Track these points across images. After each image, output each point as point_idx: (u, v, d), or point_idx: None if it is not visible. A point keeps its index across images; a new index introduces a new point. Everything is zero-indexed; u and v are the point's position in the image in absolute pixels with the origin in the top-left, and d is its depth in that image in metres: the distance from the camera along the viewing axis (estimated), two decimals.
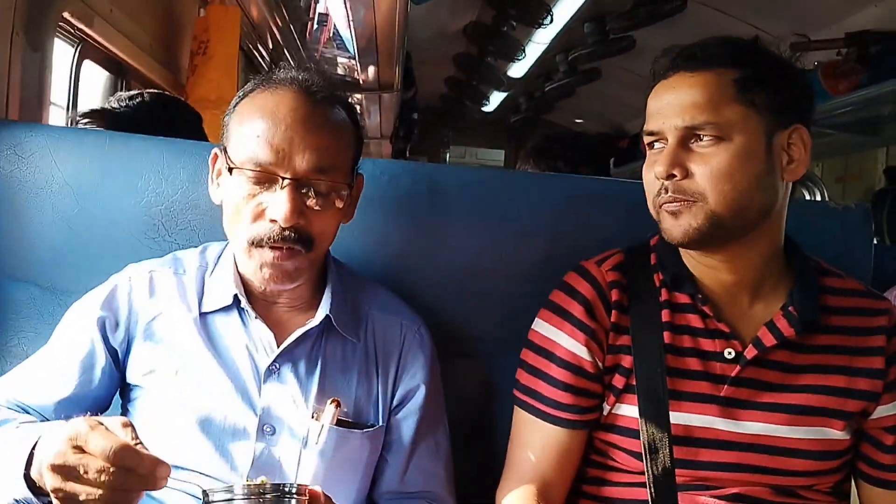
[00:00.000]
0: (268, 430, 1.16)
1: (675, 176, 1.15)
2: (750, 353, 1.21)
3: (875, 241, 4.50)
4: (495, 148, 10.77)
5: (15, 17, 1.60)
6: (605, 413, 1.26)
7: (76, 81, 2.39)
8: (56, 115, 2.34)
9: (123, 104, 1.73)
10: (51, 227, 1.42)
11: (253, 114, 1.15)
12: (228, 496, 0.91)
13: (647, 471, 1.19)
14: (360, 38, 4.40)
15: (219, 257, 1.26)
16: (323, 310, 1.21)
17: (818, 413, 1.22)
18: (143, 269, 1.25)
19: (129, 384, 1.22)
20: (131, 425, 0.90)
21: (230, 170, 1.14)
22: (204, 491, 0.92)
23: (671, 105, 1.17)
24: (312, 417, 1.18)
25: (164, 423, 1.16)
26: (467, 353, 1.48)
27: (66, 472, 0.86)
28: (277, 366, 1.19)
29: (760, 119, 1.15)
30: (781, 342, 1.21)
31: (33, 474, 0.93)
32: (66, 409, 1.15)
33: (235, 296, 1.20)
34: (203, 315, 1.21)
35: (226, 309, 1.21)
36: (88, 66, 2.54)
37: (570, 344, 1.25)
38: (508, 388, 1.33)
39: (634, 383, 1.22)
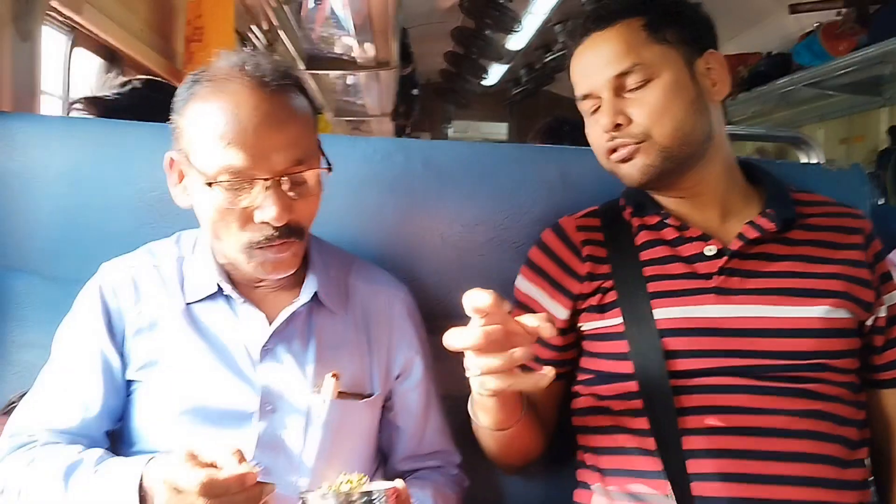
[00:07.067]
0: (269, 408, 1.17)
1: (620, 125, 1.23)
2: (735, 244, 1.24)
3: (881, 202, 4.39)
4: (498, 121, 10.70)
5: (1, 8, 1.60)
6: (590, 328, 1.29)
7: (69, 70, 2.39)
8: (53, 105, 2.35)
9: (115, 91, 1.73)
10: (48, 216, 1.43)
11: (211, 118, 1.08)
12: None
13: (637, 367, 1.20)
14: (355, 16, 4.37)
15: (194, 246, 1.26)
16: (310, 287, 1.22)
17: (810, 294, 1.22)
18: (121, 268, 1.24)
19: (126, 381, 1.21)
20: (239, 451, 0.94)
21: (208, 184, 1.08)
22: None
23: (594, 64, 1.26)
24: (313, 392, 1.19)
25: (164, 413, 1.16)
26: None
27: None
28: (272, 345, 1.20)
29: (677, 52, 1.24)
30: (763, 235, 1.24)
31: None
32: (102, 422, 1.18)
33: (219, 284, 1.20)
34: (188, 305, 1.21)
35: (211, 297, 1.21)
36: (83, 54, 2.53)
37: (548, 304, 1.30)
38: None
39: (616, 299, 1.25)
